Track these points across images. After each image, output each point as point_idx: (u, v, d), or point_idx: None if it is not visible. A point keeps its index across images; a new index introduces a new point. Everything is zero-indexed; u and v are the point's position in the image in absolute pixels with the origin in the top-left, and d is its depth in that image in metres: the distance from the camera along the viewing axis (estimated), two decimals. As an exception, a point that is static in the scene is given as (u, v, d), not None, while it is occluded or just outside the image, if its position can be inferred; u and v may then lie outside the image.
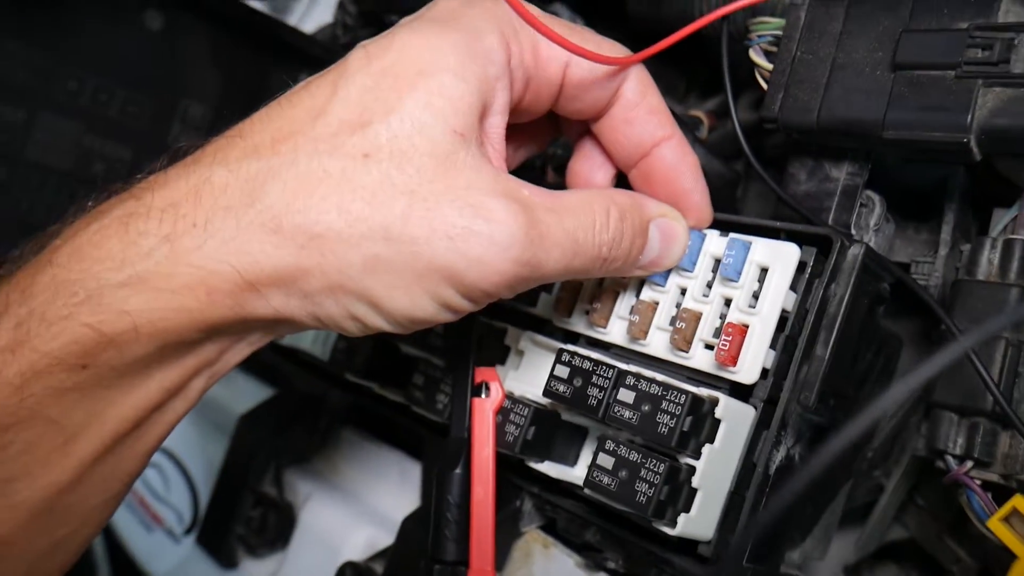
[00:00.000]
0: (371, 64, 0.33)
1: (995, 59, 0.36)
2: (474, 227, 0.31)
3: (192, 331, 0.32)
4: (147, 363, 0.32)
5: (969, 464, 0.39)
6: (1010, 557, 0.35)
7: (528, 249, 0.32)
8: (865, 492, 0.52)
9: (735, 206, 0.58)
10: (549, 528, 0.47)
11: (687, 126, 0.54)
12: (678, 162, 0.40)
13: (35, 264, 0.32)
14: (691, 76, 0.72)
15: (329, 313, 0.33)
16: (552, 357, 0.45)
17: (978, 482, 0.38)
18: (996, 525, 0.34)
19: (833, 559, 0.54)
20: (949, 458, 0.39)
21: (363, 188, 0.31)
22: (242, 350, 0.36)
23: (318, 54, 0.67)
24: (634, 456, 0.37)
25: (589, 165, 0.42)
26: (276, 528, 0.56)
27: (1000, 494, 0.38)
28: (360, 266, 0.31)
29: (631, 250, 0.37)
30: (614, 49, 0.38)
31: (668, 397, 0.37)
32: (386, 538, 0.52)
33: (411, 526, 0.48)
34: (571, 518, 0.45)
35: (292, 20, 0.75)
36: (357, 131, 0.32)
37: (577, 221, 0.35)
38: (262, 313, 0.32)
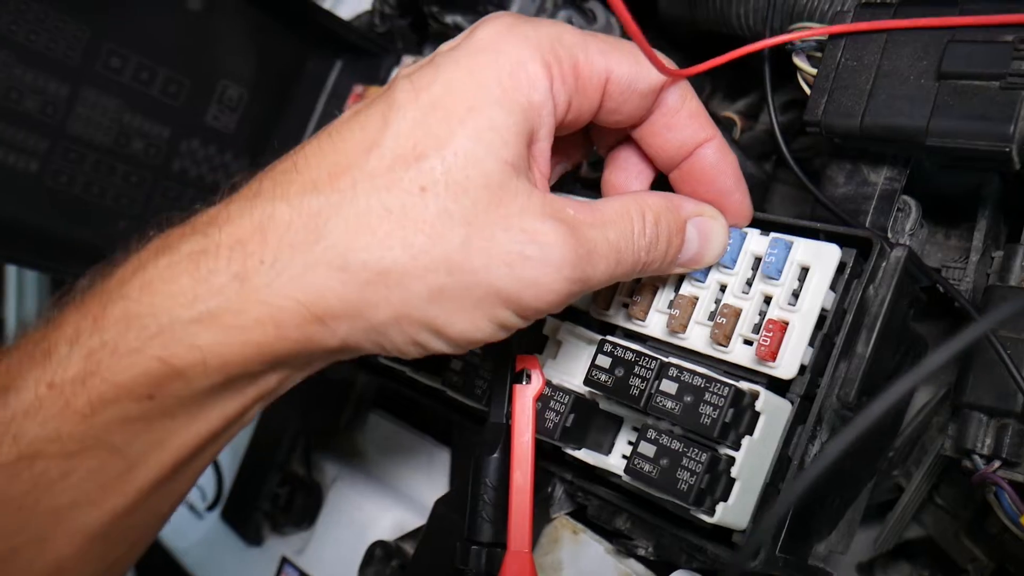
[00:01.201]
0: (419, 97, 0.34)
1: (1040, 73, 0.37)
2: (528, 252, 0.33)
3: (259, 363, 0.33)
4: (211, 393, 0.33)
5: (996, 464, 0.40)
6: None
7: (578, 267, 0.34)
8: (883, 492, 0.53)
9: (763, 207, 0.59)
10: (578, 515, 0.48)
11: (723, 126, 0.55)
12: (719, 161, 0.41)
13: (104, 294, 0.33)
14: (716, 77, 0.73)
15: (393, 341, 0.34)
16: (589, 348, 0.46)
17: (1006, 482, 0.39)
18: (1029, 522, 0.36)
19: (847, 557, 0.55)
20: (977, 458, 0.40)
21: (423, 222, 0.32)
22: (301, 375, 0.37)
23: (355, 42, 0.67)
24: (676, 445, 0.38)
25: (624, 176, 0.43)
26: (303, 506, 0.57)
27: (1024, 494, 0.39)
28: (425, 297, 0.33)
29: (668, 251, 0.39)
30: (664, 61, 0.39)
31: (711, 389, 0.38)
32: (414, 520, 0.54)
33: (443, 508, 0.49)
34: (602, 505, 0.46)
35: (327, 4, 0.76)
36: (412, 165, 0.33)
37: (618, 231, 0.36)
38: (328, 344, 0.34)
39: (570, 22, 0.60)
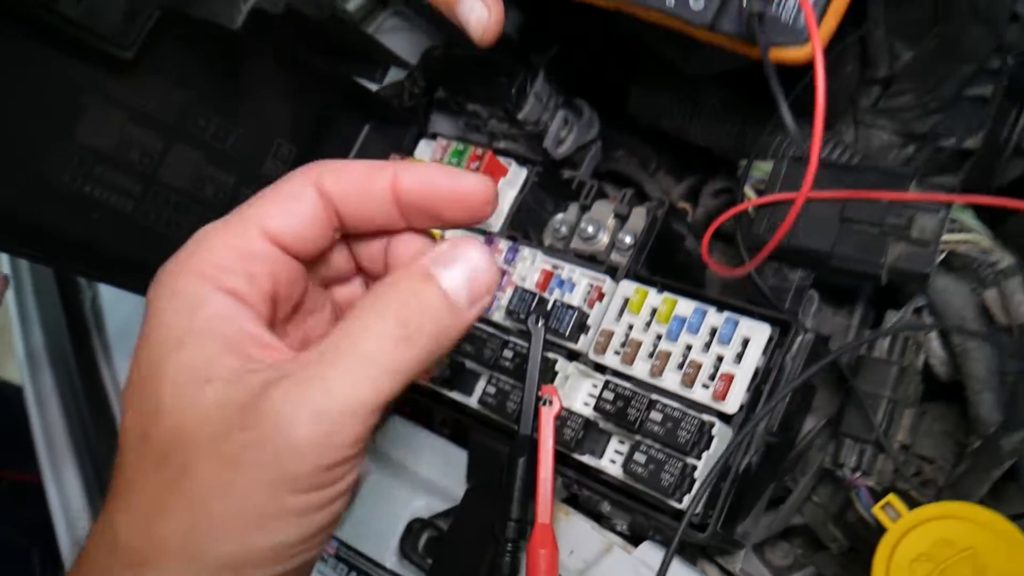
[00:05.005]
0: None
1: (901, 229, 0.57)
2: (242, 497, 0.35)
3: None
4: None
5: (859, 474, 0.61)
6: (877, 535, 0.57)
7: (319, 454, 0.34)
8: (777, 491, 0.73)
9: (702, 282, 0.78)
10: (571, 501, 0.66)
11: (679, 216, 0.74)
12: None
13: None
14: (660, 154, 0.91)
15: None
16: (587, 380, 0.64)
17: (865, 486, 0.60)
18: (877, 512, 0.56)
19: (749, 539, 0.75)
20: (845, 469, 0.61)
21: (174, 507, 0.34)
22: None
23: (382, 111, 0.83)
24: (661, 456, 0.57)
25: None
26: (341, 489, 0.72)
27: (875, 495, 0.60)
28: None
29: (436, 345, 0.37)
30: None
31: (685, 420, 0.57)
32: (441, 504, 0.69)
33: (473, 493, 0.66)
34: (591, 495, 0.64)
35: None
36: (161, 466, 0.35)
37: (345, 369, 0.35)
38: None
39: (565, 120, 0.78)
